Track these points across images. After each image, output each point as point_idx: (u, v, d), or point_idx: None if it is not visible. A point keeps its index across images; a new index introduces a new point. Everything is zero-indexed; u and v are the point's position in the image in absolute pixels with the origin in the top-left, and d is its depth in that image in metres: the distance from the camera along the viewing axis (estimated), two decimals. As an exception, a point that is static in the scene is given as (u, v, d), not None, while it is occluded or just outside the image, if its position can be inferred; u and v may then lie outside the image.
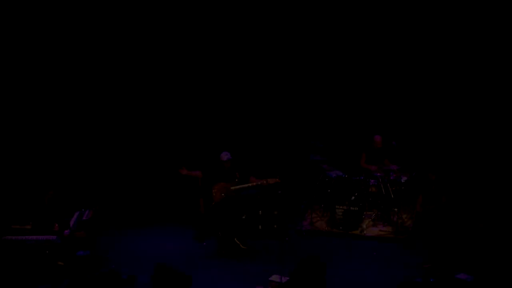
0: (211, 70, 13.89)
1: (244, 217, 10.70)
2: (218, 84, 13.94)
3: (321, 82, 13.89)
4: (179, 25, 13.43)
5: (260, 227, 11.38)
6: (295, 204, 12.03)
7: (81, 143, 13.50)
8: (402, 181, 11.35)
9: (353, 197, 11.36)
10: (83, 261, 9.80)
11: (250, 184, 10.51)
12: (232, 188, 10.52)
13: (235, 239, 10.85)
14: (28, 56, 12.81)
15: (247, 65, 13.88)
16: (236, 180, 10.54)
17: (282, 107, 14.05)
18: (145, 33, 13.38)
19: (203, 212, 11.02)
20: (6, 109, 12.76)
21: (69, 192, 11.17)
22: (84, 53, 13.19)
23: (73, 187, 12.31)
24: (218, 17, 13.38)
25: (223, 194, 10.53)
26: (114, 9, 13.06)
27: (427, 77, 13.50)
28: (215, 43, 13.66)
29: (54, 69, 13.08)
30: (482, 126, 13.24)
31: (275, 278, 9.43)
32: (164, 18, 13.36)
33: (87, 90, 13.45)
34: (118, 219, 11.67)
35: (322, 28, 13.57)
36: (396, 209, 11.25)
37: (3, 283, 9.41)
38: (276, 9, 13.41)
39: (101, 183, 13.08)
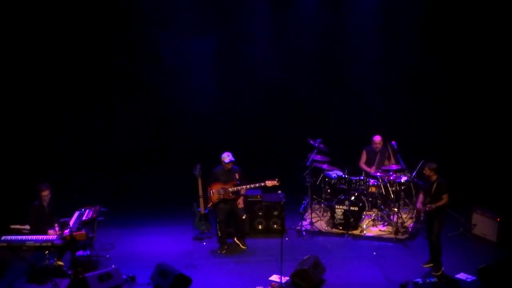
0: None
1: (244, 217, 10.69)
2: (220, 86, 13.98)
3: (322, 82, 13.90)
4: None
5: (260, 227, 11.38)
6: (295, 204, 12.02)
7: (81, 144, 13.51)
8: (402, 181, 11.33)
9: (353, 197, 11.36)
10: (83, 261, 9.81)
11: (249, 186, 10.49)
12: (231, 189, 10.50)
13: (235, 239, 10.86)
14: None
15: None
16: (236, 181, 10.52)
17: (282, 107, 14.05)
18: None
19: (203, 212, 11.01)
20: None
21: (66, 192, 11.18)
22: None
23: (72, 188, 12.33)
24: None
25: (221, 195, 10.51)
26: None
27: (427, 77, 13.53)
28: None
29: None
30: (481, 125, 13.26)
31: (275, 278, 9.45)
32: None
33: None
34: (118, 219, 11.65)
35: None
36: (396, 209, 11.25)
37: (2, 283, 9.41)
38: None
39: (101, 184, 13.08)
